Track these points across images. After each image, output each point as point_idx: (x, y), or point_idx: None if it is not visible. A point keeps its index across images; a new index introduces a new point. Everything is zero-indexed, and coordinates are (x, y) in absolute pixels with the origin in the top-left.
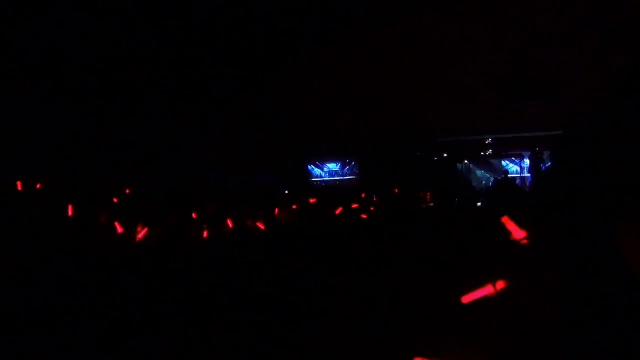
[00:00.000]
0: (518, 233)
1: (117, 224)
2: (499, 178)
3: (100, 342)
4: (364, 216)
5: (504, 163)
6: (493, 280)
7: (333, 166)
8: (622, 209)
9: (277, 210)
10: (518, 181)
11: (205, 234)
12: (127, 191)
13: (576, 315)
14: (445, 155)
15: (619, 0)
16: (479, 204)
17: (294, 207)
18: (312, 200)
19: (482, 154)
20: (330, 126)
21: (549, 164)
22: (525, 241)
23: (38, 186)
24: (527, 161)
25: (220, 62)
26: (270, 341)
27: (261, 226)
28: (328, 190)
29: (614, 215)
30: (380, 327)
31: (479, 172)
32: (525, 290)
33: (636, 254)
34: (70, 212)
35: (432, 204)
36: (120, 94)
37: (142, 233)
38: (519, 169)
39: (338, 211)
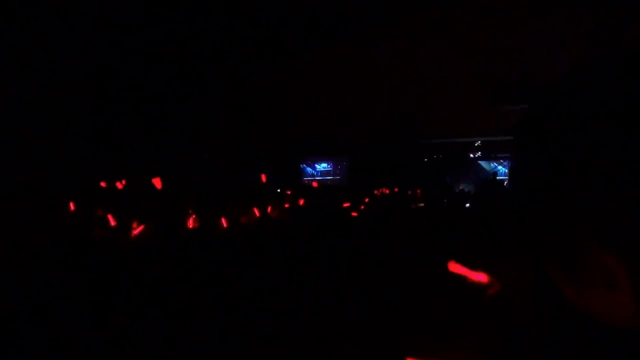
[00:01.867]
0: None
1: (109, 217)
2: (487, 179)
3: (98, 340)
4: (354, 214)
5: (492, 165)
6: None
7: (324, 166)
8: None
9: (269, 208)
10: (506, 183)
11: (199, 231)
12: (121, 186)
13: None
14: (435, 156)
15: (605, 8)
16: (467, 204)
17: (286, 205)
18: (301, 201)
19: (472, 155)
20: (321, 127)
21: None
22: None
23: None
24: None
25: (214, 61)
26: (263, 340)
27: (257, 212)
28: (319, 189)
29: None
30: (371, 326)
31: (468, 174)
32: (517, 290)
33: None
34: (68, 208)
35: (421, 204)
36: (113, 92)
37: (137, 229)
38: (507, 170)
39: (330, 210)
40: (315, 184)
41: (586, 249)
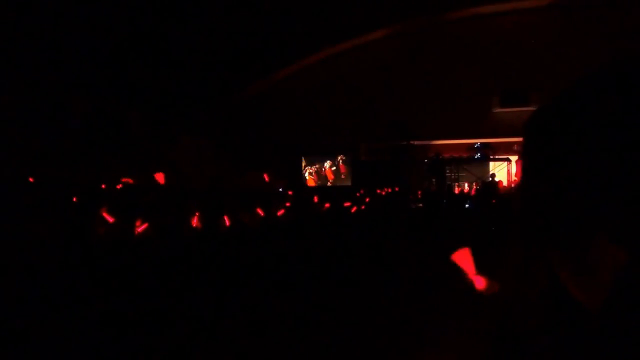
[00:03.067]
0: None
1: (106, 215)
2: (486, 181)
3: (99, 337)
4: (353, 209)
5: (491, 166)
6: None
7: (326, 165)
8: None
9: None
10: (517, 178)
11: (202, 229)
12: (120, 186)
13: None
14: (435, 157)
15: (606, 15)
16: (467, 205)
17: (287, 204)
18: (318, 199)
19: (471, 157)
20: (323, 128)
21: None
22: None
23: (31, 179)
24: (514, 165)
25: (217, 63)
26: (264, 337)
27: (261, 212)
28: (321, 190)
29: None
30: (371, 324)
31: (467, 175)
32: (516, 290)
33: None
34: (72, 206)
35: (420, 205)
36: (118, 97)
37: (141, 227)
38: (506, 172)
39: (329, 207)
40: (316, 199)
41: (594, 242)
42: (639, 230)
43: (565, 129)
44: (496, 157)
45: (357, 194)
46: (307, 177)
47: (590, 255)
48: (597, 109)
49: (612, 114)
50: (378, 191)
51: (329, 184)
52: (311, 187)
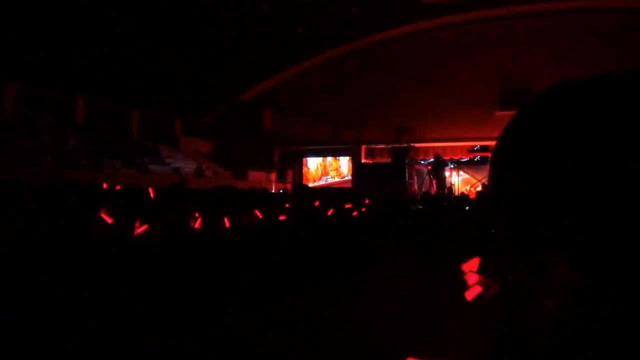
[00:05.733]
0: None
1: (104, 216)
2: (486, 183)
3: (99, 340)
4: (354, 213)
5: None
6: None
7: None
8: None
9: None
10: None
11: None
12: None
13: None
14: (435, 159)
15: (606, 20)
16: (467, 207)
17: (287, 205)
18: (317, 203)
19: (471, 159)
20: (325, 129)
21: None
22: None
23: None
24: None
25: (219, 63)
26: (263, 338)
27: (259, 215)
28: (323, 191)
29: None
30: (372, 326)
31: (468, 177)
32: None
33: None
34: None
35: (420, 207)
36: (119, 97)
37: (140, 228)
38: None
39: (330, 211)
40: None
41: (547, 257)
42: (591, 253)
43: (535, 137)
44: None
45: (357, 197)
46: (305, 172)
47: (545, 267)
48: (558, 126)
49: (571, 133)
50: (377, 193)
51: (327, 178)
52: (313, 189)
